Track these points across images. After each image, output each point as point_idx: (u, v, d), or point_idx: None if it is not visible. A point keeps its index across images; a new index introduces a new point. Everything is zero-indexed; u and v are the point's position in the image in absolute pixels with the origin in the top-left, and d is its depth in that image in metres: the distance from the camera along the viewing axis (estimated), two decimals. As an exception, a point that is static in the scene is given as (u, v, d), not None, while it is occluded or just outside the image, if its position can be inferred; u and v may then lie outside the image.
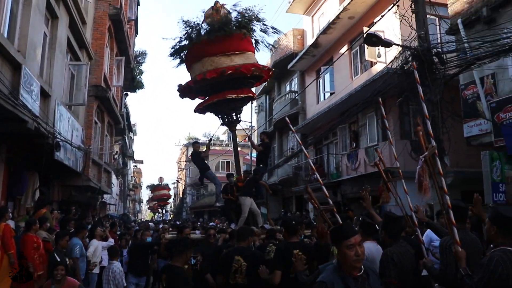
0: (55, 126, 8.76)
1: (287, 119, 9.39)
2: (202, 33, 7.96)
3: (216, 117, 8.75)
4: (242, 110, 8.85)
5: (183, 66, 8.71)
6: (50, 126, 8.44)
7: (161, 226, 14.59)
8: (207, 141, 10.88)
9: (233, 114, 8.57)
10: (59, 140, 8.70)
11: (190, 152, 10.90)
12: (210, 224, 17.05)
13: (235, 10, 8.21)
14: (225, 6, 8.32)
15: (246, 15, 8.14)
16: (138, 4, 20.83)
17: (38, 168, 8.83)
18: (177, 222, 19.24)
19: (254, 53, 8.58)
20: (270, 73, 9.14)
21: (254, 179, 8.26)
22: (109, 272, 7.42)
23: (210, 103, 8.28)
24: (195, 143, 9.88)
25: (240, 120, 8.78)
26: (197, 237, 6.98)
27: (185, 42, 8.27)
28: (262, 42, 8.59)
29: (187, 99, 9.17)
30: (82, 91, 10.79)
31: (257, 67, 8.20)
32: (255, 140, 21.31)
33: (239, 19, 8.04)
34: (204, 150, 9.86)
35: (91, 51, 12.44)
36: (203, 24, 8.15)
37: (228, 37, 7.79)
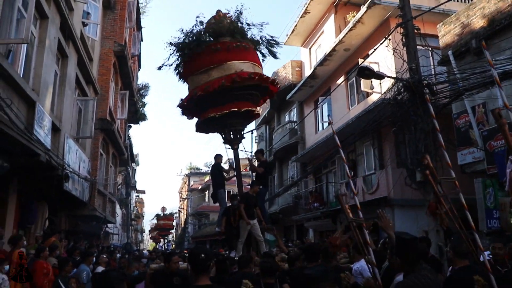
0: (64, 158, 9.17)
1: (330, 119, 9.44)
2: (204, 40, 7.73)
3: (219, 135, 8.43)
4: (244, 127, 8.53)
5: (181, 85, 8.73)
6: (60, 158, 8.86)
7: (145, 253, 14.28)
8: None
9: (236, 131, 8.27)
10: (68, 171, 9.10)
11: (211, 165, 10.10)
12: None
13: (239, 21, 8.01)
14: (228, 15, 8.08)
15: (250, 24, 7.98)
16: (141, 40, 21.63)
17: (47, 198, 9.21)
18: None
19: (261, 65, 8.34)
20: (276, 84, 8.72)
21: (245, 197, 7.87)
22: None
23: (212, 118, 7.95)
24: (217, 156, 8.99)
25: (243, 138, 8.48)
26: (185, 267, 6.11)
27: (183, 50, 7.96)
28: (267, 50, 8.35)
29: (189, 123, 9.09)
30: (89, 124, 11.27)
31: (259, 74, 7.89)
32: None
33: (245, 29, 7.90)
34: (227, 170, 9.25)
35: (97, 86, 13.01)
36: (205, 33, 7.95)
37: (235, 44, 7.59)
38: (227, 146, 8.47)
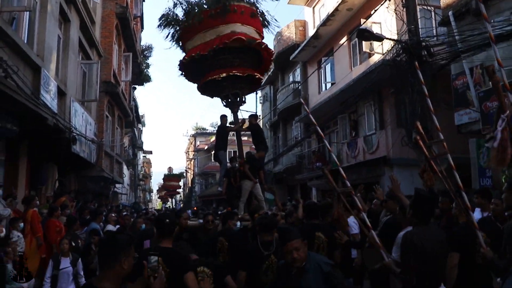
0: (71, 121, 9.50)
1: (302, 100, 9.55)
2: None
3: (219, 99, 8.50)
4: (245, 92, 8.50)
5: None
6: (67, 122, 9.18)
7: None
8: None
9: (237, 95, 8.28)
10: (75, 134, 9.44)
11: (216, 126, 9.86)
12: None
13: None
14: None
15: None
16: (143, 1, 21.45)
17: (56, 160, 9.61)
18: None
19: (261, 30, 8.32)
20: (269, 50, 8.56)
21: (249, 158, 8.04)
22: None
23: (213, 80, 7.96)
24: (223, 116, 8.82)
25: (244, 102, 8.50)
26: (194, 224, 6.51)
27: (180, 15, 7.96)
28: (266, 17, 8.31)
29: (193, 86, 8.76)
30: (94, 87, 11.53)
31: (254, 38, 7.86)
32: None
33: None
34: (233, 126, 9.01)
35: (100, 49, 13.15)
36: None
37: (243, 7, 7.62)
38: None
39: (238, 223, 5.40)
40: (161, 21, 8.12)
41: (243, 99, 8.43)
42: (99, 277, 2.45)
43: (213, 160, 38.61)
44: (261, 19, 8.43)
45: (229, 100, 8.29)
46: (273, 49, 9.34)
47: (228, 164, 8.31)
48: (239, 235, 5.41)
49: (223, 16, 7.58)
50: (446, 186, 4.05)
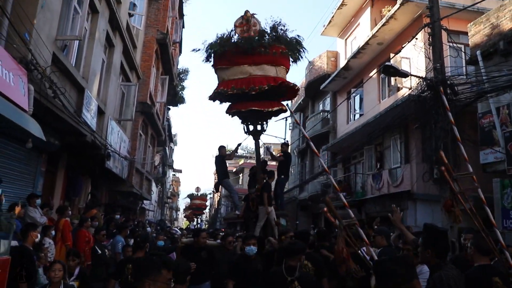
0: (107, 138, 10.15)
1: (295, 118, 9.74)
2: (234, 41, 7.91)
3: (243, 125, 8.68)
4: (268, 121, 8.67)
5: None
6: (103, 139, 9.84)
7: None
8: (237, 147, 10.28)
9: (259, 124, 8.49)
10: (109, 151, 10.08)
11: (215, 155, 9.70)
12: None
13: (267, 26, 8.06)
14: (255, 15, 8.16)
15: (279, 29, 8.02)
16: (183, 27, 22.51)
17: (91, 174, 10.26)
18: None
19: (288, 67, 8.44)
20: (296, 88, 8.65)
21: (267, 184, 8.05)
22: None
23: (237, 110, 8.22)
24: (221, 147, 9.40)
25: (265, 131, 8.67)
26: (213, 244, 6.78)
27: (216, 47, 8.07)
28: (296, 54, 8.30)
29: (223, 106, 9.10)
30: (131, 108, 12.25)
31: (286, 83, 8.06)
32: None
33: (273, 33, 7.97)
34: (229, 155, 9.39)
35: (139, 72, 13.97)
36: (234, 35, 8.10)
37: (261, 48, 7.73)
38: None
39: (252, 247, 5.22)
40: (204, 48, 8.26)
41: (264, 128, 8.65)
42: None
43: (243, 182, 39.01)
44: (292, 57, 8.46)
45: (252, 128, 8.54)
46: (304, 78, 9.41)
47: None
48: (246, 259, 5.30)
49: (258, 55, 7.80)
50: (476, 224, 3.92)
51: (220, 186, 9.44)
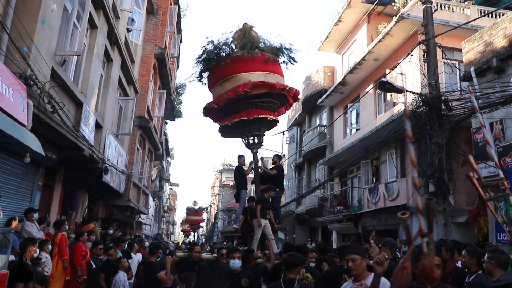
0: (104, 153, 10.20)
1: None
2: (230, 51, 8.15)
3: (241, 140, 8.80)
4: (264, 133, 8.78)
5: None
6: (101, 153, 9.88)
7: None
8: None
9: (255, 136, 8.59)
10: (107, 165, 10.11)
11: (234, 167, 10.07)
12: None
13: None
14: (253, 28, 8.34)
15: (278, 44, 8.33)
16: (181, 42, 22.72)
17: (88, 188, 10.27)
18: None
19: (283, 76, 8.63)
20: (295, 92, 8.88)
21: (262, 199, 8.01)
22: None
23: (232, 123, 8.35)
24: (240, 157, 9.26)
25: (262, 143, 8.75)
26: (208, 257, 6.73)
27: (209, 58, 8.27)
28: (289, 61, 8.64)
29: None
30: (128, 122, 12.32)
31: (282, 85, 8.21)
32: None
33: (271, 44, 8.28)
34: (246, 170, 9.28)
35: (137, 86, 14.07)
36: (231, 45, 8.33)
37: (257, 55, 7.95)
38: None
39: (236, 261, 4.99)
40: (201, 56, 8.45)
41: (261, 141, 8.77)
42: None
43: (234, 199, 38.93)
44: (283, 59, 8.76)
45: (249, 141, 8.67)
46: (301, 92, 9.58)
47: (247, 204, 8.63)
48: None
49: (237, 63, 8.04)
50: (507, 235, 4.15)
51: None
